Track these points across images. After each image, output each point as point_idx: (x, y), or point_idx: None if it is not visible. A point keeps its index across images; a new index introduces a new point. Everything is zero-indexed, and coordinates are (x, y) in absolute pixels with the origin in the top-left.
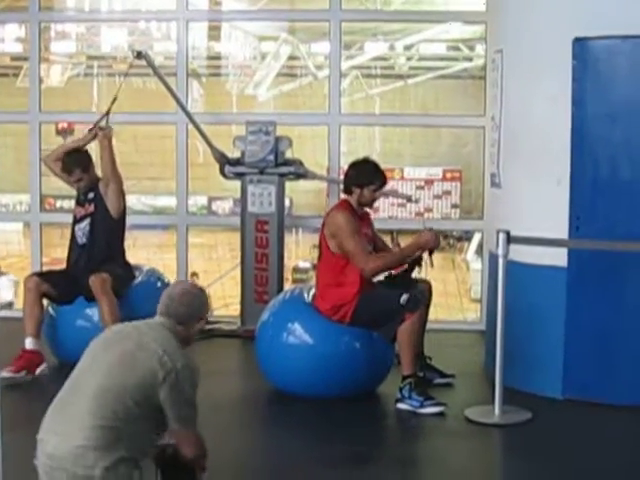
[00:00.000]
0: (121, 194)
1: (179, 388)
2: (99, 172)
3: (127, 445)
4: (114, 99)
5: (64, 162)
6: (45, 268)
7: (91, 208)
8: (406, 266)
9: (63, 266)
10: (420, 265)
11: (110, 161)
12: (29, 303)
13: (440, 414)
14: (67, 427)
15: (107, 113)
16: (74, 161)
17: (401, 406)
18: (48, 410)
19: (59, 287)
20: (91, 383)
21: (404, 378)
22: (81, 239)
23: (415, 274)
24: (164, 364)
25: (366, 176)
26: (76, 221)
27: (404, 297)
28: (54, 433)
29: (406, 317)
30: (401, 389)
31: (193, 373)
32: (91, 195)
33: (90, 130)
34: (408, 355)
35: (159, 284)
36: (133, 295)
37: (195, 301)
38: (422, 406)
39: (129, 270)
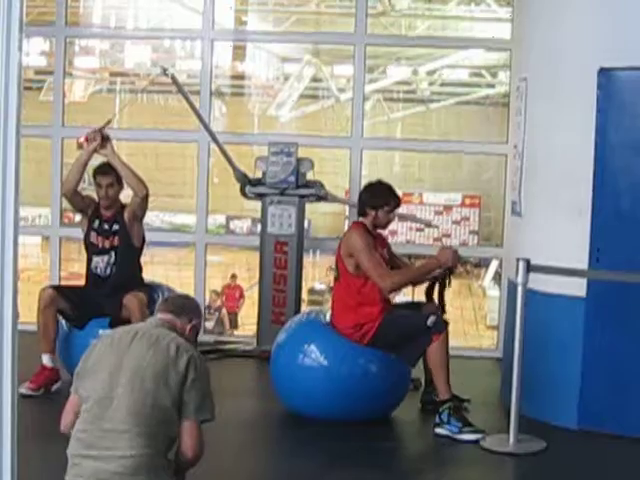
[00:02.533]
0: (143, 215)
1: (201, 380)
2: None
3: (165, 450)
4: (109, 120)
5: (100, 166)
6: (63, 282)
7: (116, 241)
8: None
9: (80, 282)
10: (445, 285)
11: (127, 168)
12: (44, 319)
13: (476, 442)
14: (107, 451)
15: (108, 122)
16: (109, 166)
17: (439, 431)
18: (77, 429)
19: (76, 309)
20: (123, 400)
21: (442, 403)
22: (103, 271)
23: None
24: (181, 355)
25: (380, 198)
26: (96, 252)
27: (431, 319)
28: (93, 459)
29: (433, 338)
30: (440, 413)
31: (207, 369)
32: (115, 227)
33: (87, 141)
34: (442, 378)
35: None
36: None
37: (190, 301)
38: (460, 432)
39: (151, 291)
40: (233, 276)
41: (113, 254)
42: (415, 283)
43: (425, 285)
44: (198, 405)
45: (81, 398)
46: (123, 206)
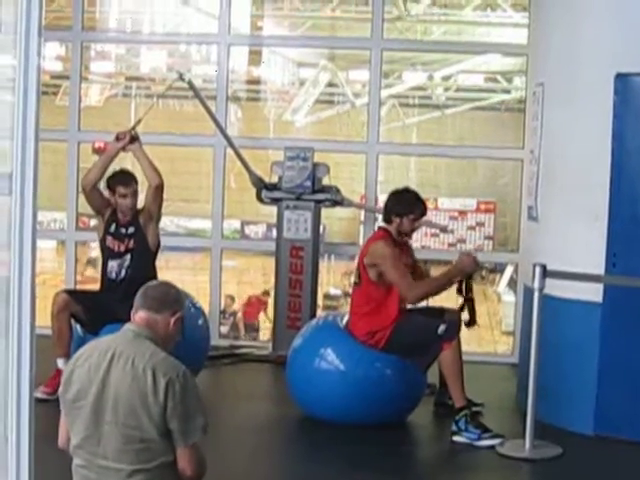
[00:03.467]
0: (159, 215)
1: (183, 402)
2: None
3: (169, 474)
4: (140, 119)
5: (119, 174)
6: (79, 286)
7: (132, 243)
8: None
9: (95, 286)
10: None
11: (151, 164)
12: (58, 324)
13: (492, 447)
14: None
15: (138, 122)
16: (130, 174)
17: (457, 439)
18: (76, 464)
19: (90, 313)
20: (110, 438)
21: (458, 410)
22: (117, 274)
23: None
24: (159, 382)
25: (406, 205)
26: (112, 256)
27: (442, 327)
28: None
29: (444, 347)
30: (457, 421)
31: (189, 380)
32: (131, 230)
33: (117, 139)
34: (456, 385)
35: (192, 309)
36: None
37: (170, 292)
38: (479, 439)
39: None
40: (265, 292)
41: (128, 257)
42: (437, 293)
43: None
44: (183, 431)
45: (68, 429)
46: (138, 211)
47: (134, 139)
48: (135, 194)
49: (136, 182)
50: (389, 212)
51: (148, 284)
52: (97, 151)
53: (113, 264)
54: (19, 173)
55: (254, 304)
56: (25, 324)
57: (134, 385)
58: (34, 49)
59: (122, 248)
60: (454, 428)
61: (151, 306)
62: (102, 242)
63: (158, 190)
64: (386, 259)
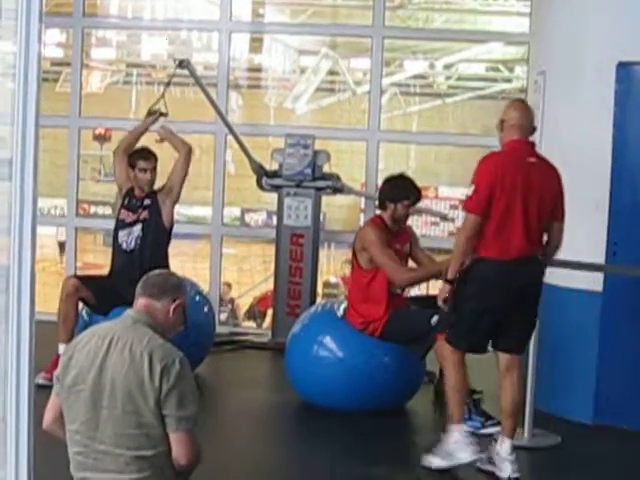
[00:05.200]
0: (178, 195)
1: (178, 387)
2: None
3: (167, 462)
4: (164, 92)
5: (140, 151)
6: (78, 272)
7: (145, 214)
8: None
9: (102, 271)
10: None
11: (177, 135)
12: (66, 308)
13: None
14: (109, 474)
15: (160, 99)
16: (151, 152)
17: None
18: (73, 451)
19: (99, 297)
20: (108, 422)
21: None
22: (128, 245)
23: None
24: (155, 367)
25: (400, 191)
26: (122, 226)
27: (435, 318)
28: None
29: (438, 337)
30: None
31: (185, 367)
32: (147, 202)
33: (149, 115)
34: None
35: (197, 297)
36: None
37: (170, 279)
38: (483, 427)
39: None
40: (226, 284)
41: (139, 227)
42: (427, 280)
43: None
44: (176, 416)
45: (64, 415)
46: (156, 190)
47: (162, 114)
48: (154, 170)
49: (156, 159)
50: (383, 198)
51: (150, 273)
52: (98, 137)
53: (123, 234)
54: (19, 159)
55: (268, 298)
56: (25, 310)
57: (131, 370)
58: (35, 36)
59: (133, 218)
60: None
61: (151, 293)
62: (117, 217)
63: (188, 156)
64: (373, 243)
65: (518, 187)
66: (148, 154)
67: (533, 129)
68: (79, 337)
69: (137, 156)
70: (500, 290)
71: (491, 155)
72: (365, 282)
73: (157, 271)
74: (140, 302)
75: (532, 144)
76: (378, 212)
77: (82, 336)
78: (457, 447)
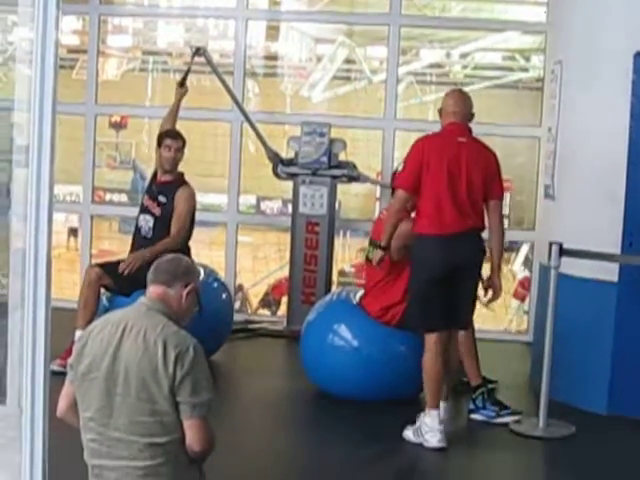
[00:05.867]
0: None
1: (192, 374)
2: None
3: (182, 449)
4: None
5: (170, 130)
6: (99, 260)
7: (157, 211)
8: None
9: (123, 256)
10: None
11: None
12: (87, 295)
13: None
14: (123, 460)
15: (188, 70)
16: (180, 134)
17: (475, 417)
18: (87, 439)
19: (120, 282)
20: (122, 409)
21: (475, 388)
22: (145, 232)
23: None
24: (169, 354)
25: None
26: (143, 210)
27: None
28: (111, 469)
29: None
30: (474, 400)
31: (199, 354)
32: (162, 199)
33: (181, 85)
34: (472, 363)
35: (215, 284)
36: None
37: (181, 264)
38: (498, 416)
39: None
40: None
41: (153, 220)
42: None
43: None
44: (191, 402)
45: (78, 403)
46: (182, 183)
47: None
48: (179, 151)
49: (184, 142)
50: None
51: (160, 259)
52: (114, 125)
53: (141, 218)
54: (36, 146)
55: (283, 285)
56: (40, 296)
57: (145, 357)
58: (52, 22)
59: (150, 206)
60: (471, 406)
61: (163, 280)
62: (141, 200)
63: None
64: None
65: (445, 164)
66: (176, 134)
67: (471, 115)
68: (93, 325)
69: (165, 134)
70: (439, 264)
71: (423, 137)
72: (388, 273)
73: (168, 256)
74: (153, 290)
75: (466, 127)
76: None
77: (96, 324)
78: (427, 430)
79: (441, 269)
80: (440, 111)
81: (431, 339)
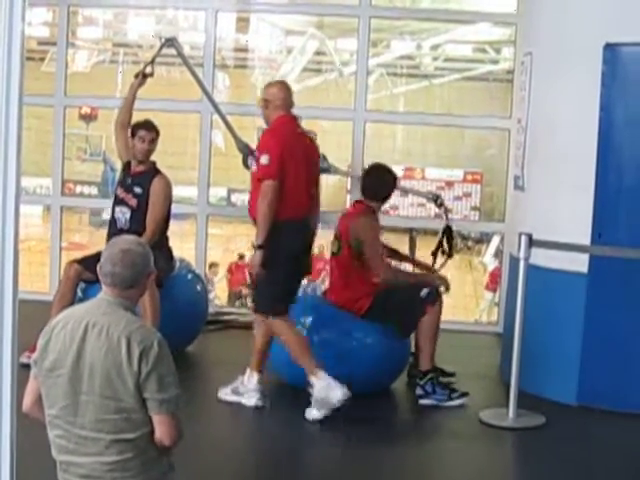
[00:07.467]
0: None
1: (157, 369)
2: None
3: (149, 442)
4: (154, 58)
5: (144, 122)
6: (64, 253)
7: (133, 203)
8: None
9: (99, 248)
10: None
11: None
12: (64, 291)
13: (461, 406)
14: (91, 457)
15: (152, 61)
16: (154, 125)
17: (425, 402)
18: (54, 434)
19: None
20: (87, 407)
21: (425, 373)
22: (122, 224)
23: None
24: (133, 350)
25: (391, 189)
26: (117, 202)
27: (425, 290)
28: (79, 466)
29: (427, 310)
30: (423, 385)
31: (164, 349)
32: (138, 190)
33: (144, 76)
34: (428, 349)
35: (189, 276)
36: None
37: (138, 260)
38: (449, 399)
39: (170, 261)
40: (241, 257)
41: (129, 213)
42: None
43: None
44: (157, 398)
45: (43, 399)
46: (156, 173)
47: (145, 76)
48: (152, 143)
49: (157, 134)
50: (378, 195)
51: (114, 251)
52: (84, 117)
53: (118, 210)
54: (2, 138)
55: (237, 272)
56: (7, 289)
57: (109, 355)
58: (18, 14)
59: (125, 198)
60: (420, 392)
61: (124, 286)
62: (115, 191)
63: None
64: (370, 241)
65: (299, 154)
66: (151, 126)
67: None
68: (57, 319)
69: (139, 125)
70: (298, 245)
71: (274, 129)
72: (360, 267)
73: (118, 250)
74: (114, 292)
75: (295, 118)
76: (360, 199)
77: (59, 319)
78: (327, 389)
79: (299, 249)
80: (266, 102)
81: (279, 320)
